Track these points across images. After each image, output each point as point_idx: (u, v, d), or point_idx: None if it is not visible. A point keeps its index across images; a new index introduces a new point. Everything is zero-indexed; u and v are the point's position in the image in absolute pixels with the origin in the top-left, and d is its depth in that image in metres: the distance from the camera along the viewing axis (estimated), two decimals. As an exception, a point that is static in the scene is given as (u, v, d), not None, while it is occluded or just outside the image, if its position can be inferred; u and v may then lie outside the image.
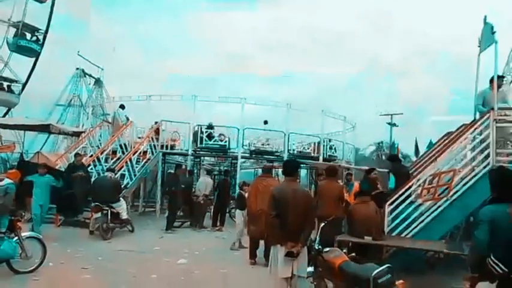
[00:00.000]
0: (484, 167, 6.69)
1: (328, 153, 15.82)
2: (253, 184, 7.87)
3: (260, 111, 16.50)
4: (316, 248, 4.52)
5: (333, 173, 7.92)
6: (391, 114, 33.14)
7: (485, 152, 6.84)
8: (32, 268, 5.83)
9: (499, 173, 3.87)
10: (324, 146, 15.55)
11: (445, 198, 6.60)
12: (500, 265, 2.59)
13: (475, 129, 7.10)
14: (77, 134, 15.87)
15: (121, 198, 9.87)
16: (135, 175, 12.43)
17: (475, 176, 6.72)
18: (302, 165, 15.28)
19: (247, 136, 14.58)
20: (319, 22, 76.22)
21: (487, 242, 2.87)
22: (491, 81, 7.22)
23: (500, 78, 7.50)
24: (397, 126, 33.30)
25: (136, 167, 12.63)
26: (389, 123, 33.23)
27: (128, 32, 71.73)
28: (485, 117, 6.96)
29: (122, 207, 9.60)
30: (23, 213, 8.97)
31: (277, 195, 4.40)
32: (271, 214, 4.36)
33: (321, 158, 15.31)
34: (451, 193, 6.60)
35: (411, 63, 69.93)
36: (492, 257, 2.67)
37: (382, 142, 38.87)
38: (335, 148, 16.40)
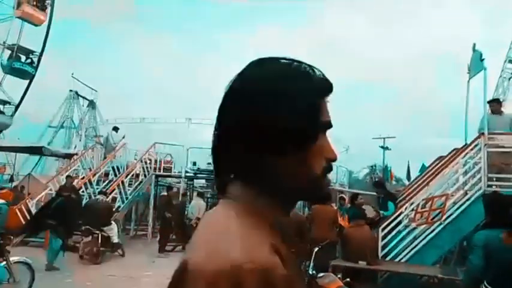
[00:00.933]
0: (476, 192, 6.76)
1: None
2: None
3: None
4: (310, 273, 4.47)
5: (327, 197, 7.91)
6: (384, 138, 33.51)
7: (477, 177, 6.94)
8: (19, 294, 5.66)
9: (492, 198, 3.91)
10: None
11: (438, 223, 6.63)
12: None
13: (466, 153, 7.23)
14: (69, 156, 15.80)
15: (112, 222, 9.73)
16: (126, 198, 12.29)
17: (467, 200, 6.78)
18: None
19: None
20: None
21: (482, 267, 2.88)
22: (489, 102, 7.40)
23: (497, 101, 7.67)
24: (390, 149, 33.62)
25: (129, 190, 12.51)
26: (382, 147, 33.54)
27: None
28: (476, 141, 7.10)
29: (113, 231, 9.44)
30: (11, 237, 8.77)
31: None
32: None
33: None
34: (444, 217, 6.63)
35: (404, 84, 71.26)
36: (485, 283, 2.68)
37: (375, 165, 39.07)
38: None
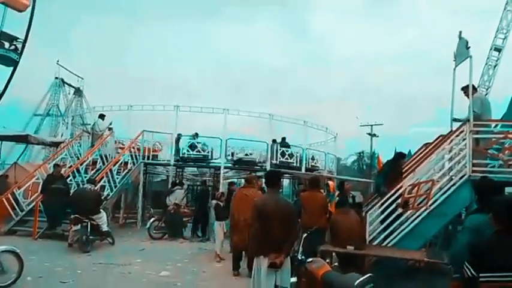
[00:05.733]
0: (461, 177, 6.90)
1: (310, 164, 15.97)
2: (236, 195, 7.87)
3: (243, 121, 16.59)
4: (299, 258, 4.53)
5: (316, 183, 7.99)
6: (372, 125, 33.79)
7: (462, 163, 7.07)
8: (8, 283, 5.61)
9: (482, 183, 4.00)
10: (306, 156, 15.71)
11: (424, 208, 6.76)
12: (471, 269, 2.70)
13: (451, 140, 7.36)
14: (56, 144, 15.57)
15: (101, 210, 9.69)
16: (115, 186, 12.23)
17: (452, 185, 6.93)
18: (285, 175, 15.40)
19: (230, 146, 14.62)
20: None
21: (469, 246, 2.97)
22: (463, 89, 7.49)
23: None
24: (378, 136, 33.95)
25: (117, 178, 12.44)
26: (369, 134, 33.83)
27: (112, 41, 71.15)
28: (462, 128, 7.22)
29: (102, 219, 9.41)
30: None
31: (259, 206, 4.42)
32: (253, 225, 4.37)
33: (303, 168, 15.42)
34: (430, 202, 6.76)
35: (392, 74, 71.67)
36: (466, 262, 2.77)
37: (362, 152, 39.48)
38: (317, 158, 16.59)
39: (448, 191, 6.88)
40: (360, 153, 40.39)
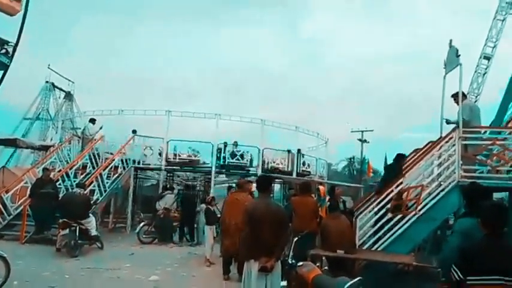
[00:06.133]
0: (450, 183, 6.98)
1: (301, 169, 16.02)
2: (227, 199, 7.86)
3: (235, 126, 16.60)
4: (290, 262, 4.54)
5: (307, 188, 8.02)
6: (362, 131, 34.05)
7: (451, 168, 7.16)
8: (-6, 287, 5.54)
9: (471, 188, 4.06)
10: (297, 161, 15.76)
11: (413, 213, 6.82)
12: (459, 273, 2.73)
13: (441, 146, 7.46)
14: (45, 148, 15.41)
15: (90, 214, 9.59)
16: (105, 190, 12.14)
17: (441, 191, 7.00)
18: (276, 180, 15.42)
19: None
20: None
21: (458, 250, 3.00)
22: (453, 96, 7.60)
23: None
24: (368, 142, 34.22)
25: (107, 183, 12.35)
26: (360, 140, 34.09)
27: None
28: (451, 134, 7.33)
29: (91, 224, 9.31)
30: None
31: (250, 210, 4.42)
32: (244, 229, 4.36)
33: (294, 173, 15.47)
34: (419, 207, 6.83)
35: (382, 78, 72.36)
36: (454, 265, 2.80)
37: (353, 157, 39.73)
38: (308, 164, 16.65)
39: (438, 196, 6.96)
40: (350, 158, 40.67)
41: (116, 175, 12.97)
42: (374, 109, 66.60)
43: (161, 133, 14.46)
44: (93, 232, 9.37)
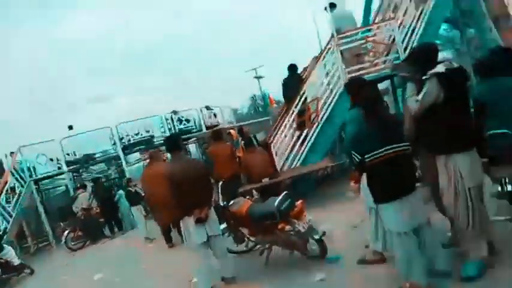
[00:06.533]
0: (339, 88, 7.61)
1: (210, 122, 16.03)
2: (143, 175, 7.64)
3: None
4: (221, 205, 4.70)
5: (219, 135, 8.11)
6: (255, 68, 34.75)
7: (337, 74, 7.78)
8: None
9: (348, 83, 4.48)
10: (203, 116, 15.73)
11: (316, 124, 7.40)
12: (357, 155, 3.10)
13: (324, 57, 8.03)
14: None
15: (4, 246, 8.68)
16: (10, 216, 10.97)
17: (334, 97, 7.64)
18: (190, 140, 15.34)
19: (122, 132, 13.86)
20: None
21: (351, 137, 3.36)
22: (325, 9, 8.05)
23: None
24: (263, 77, 35.14)
25: (9, 207, 11.12)
26: (255, 77, 34.87)
27: None
28: (329, 44, 7.86)
29: (9, 254, 8.47)
30: None
31: (169, 173, 4.39)
32: (170, 193, 4.34)
33: (203, 128, 15.46)
34: (319, 118, 7.41)
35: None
36: (352, 150, 3.17)
37: (254, 95, 40.64)
38: (215, 114, 16.71)
39: (332, 102, 7.59)
40: (252, 97, 41.53)
41: (16, 196, 11.70)
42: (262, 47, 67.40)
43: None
44: (16, 261, 8.55)
